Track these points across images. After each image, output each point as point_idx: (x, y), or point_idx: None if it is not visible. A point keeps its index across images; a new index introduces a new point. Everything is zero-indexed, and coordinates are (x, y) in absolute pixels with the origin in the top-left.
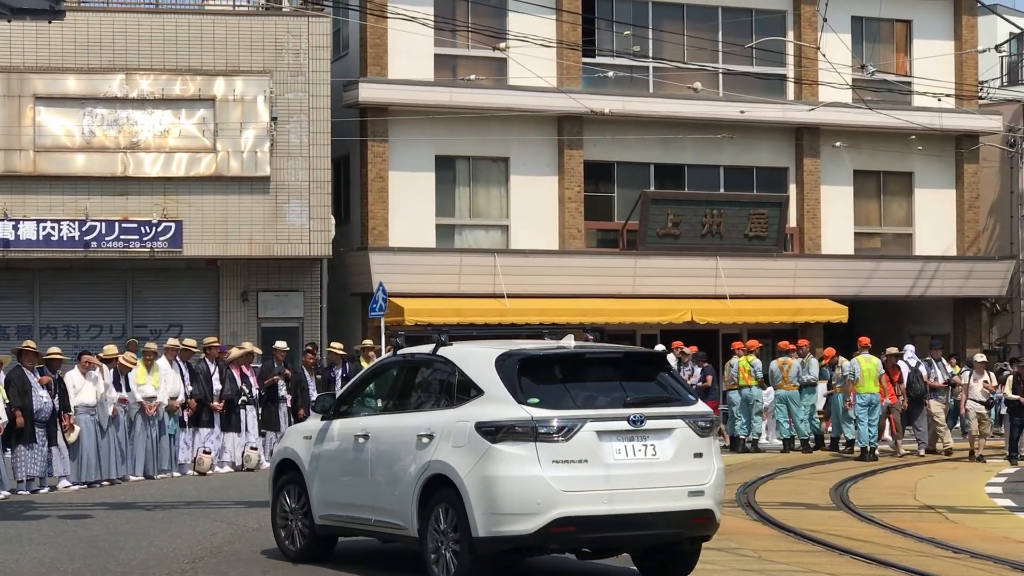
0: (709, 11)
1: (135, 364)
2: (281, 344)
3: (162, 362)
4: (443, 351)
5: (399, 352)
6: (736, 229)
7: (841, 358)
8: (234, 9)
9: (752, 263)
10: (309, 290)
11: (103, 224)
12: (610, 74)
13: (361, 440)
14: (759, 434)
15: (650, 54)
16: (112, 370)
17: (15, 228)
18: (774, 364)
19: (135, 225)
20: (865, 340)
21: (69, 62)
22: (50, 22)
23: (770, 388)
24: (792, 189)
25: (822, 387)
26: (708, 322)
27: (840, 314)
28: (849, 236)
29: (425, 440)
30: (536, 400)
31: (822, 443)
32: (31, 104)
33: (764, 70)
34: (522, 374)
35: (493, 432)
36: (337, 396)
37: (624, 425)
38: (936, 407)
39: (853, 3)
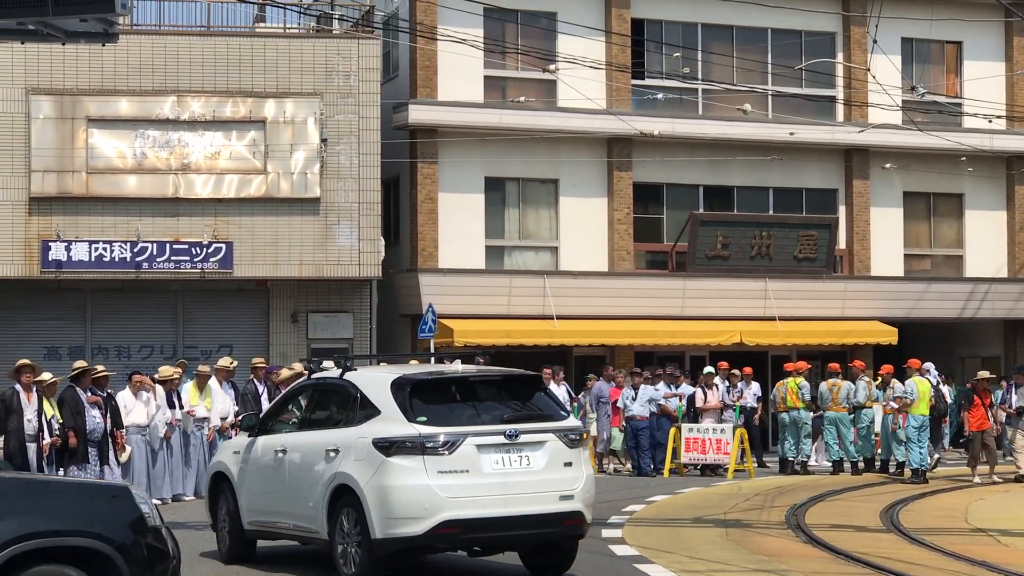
0: (758, 33)
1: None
2: (328, 363)
3: (212, 383)
4: (349, 375)
5: (313, 376)
6: (785, 251)
7: (894, 379)
8: (285, 31)
9: (801, 285)
10: (359, 311)
11: (154, 245)
12: (659, 96)
13: (280, 454)
14: (808, 456)
15: (699, 76)
16: (165, 390)
17: (68, 249)
18: (823, 386)
19: (186, 246)
20: (915, 362)
21: (121, 84)
22: (103, 45)
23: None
24: (841, 211)
25: (878, 408)
26: (757, 344)
27: (890, 336)
28: (899, 258)
29: (332, 454)
30: (424, 419)
31: (872, 465)
32: (84, 126)
33: (813, 91)
34: (413, 396)
35: (387, 447)
36: (261, 415)
37: (501, 439)
38: (1012, 433)
39: (903, 24)
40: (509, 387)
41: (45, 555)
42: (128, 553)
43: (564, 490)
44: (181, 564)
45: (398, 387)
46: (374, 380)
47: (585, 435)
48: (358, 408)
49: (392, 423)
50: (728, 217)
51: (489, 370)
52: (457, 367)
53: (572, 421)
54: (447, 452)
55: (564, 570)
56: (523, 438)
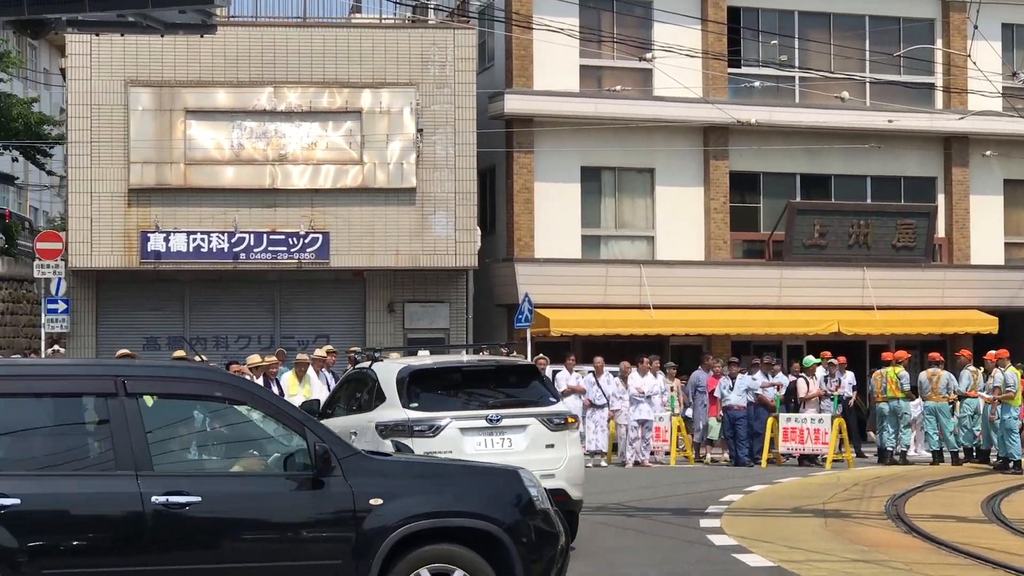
0: (856, 20)
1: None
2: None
3: (310, 372)
4: (374, 366)
5: (356, 366)
6: (884, 239)
7: (996, 369)
8: (381, 22)
9: (900, 274)
10: (455, 301)
11: (251, 236)
12: (756, 84)
13: None
14: (907, 446)
15: (796, 64)
16: (262, 379)
17: (166, 240)
18: (923, 375)
19: (283, 237)
20: (1004, 352)
21: (219, 76)
22: (202, 36)
23: (918, 400)
24: (940, 199)
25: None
26: (855, 333)
27: (990, 325)
28: (999, 246)
29: (352, 437)
30: (416, 405)
31: (972, 455)
32: (182, 118)
33: (912, 79)
34: (411, 384)
35: (384, 430)
36: (324, 401)
37: (483, 423)
38: None
39: (1004, 10)
40: (503, 375)
41: (437, 535)
42: (517, 535)
43: (546, 469)
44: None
45: (400, 377)
46: (386, 370)
47: (571, 419)
48: (374, 396)
49: (392, 409)
50: (825, 206)
51: (484, 360)
52: (462, 358)
53: (559, 407)
54: (432, 435)
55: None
56: (505, 422)
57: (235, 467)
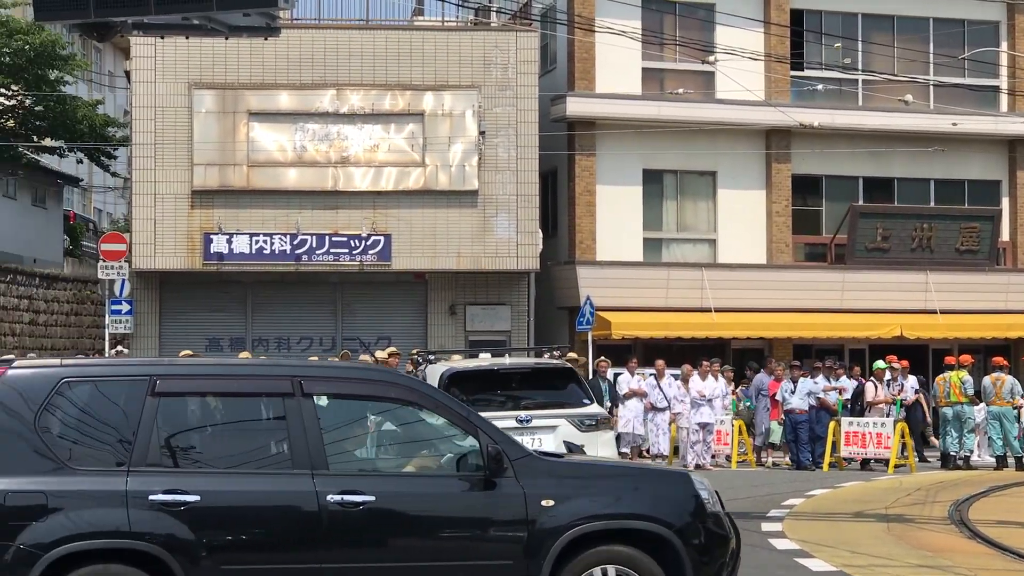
0: (920, 22)
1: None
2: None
3: None
4: (427, 368)
5: (417, 368)
6: (947, 243)
7: None
8: (443, 24)
9: (963, 278)
10: (517, 303)
11: (314, 238)
12: (819, 87)
13: None
14: (971, 451)
15: (859, 66)
16: None
17: (229, 242)
18: (987, 380)
19: (345, 239)
20: None
21: (282, 78)
22: (265, 39)
23: (982, 404)
24: (1005, 202)
25: None
26: (918, 337)
27: None
28: None
29: None
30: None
31: None
32: (245, 120)
33: (976, 81)
34: (451, 385)
35: None
36: None
37: (513, 423)
38: None
39: None
40: (540, 378)
41: (607, 536)
42: (687, 538)
43: None
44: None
45: (442, 377)
46: (433, 372)
47: (613, 421)
48: None
49: None
50: (888, 209)
51: (522, 362)
52: (504, 360)
53: (590, 409)
54: None
55: None
56: (536, 423)
57: (408, 467)
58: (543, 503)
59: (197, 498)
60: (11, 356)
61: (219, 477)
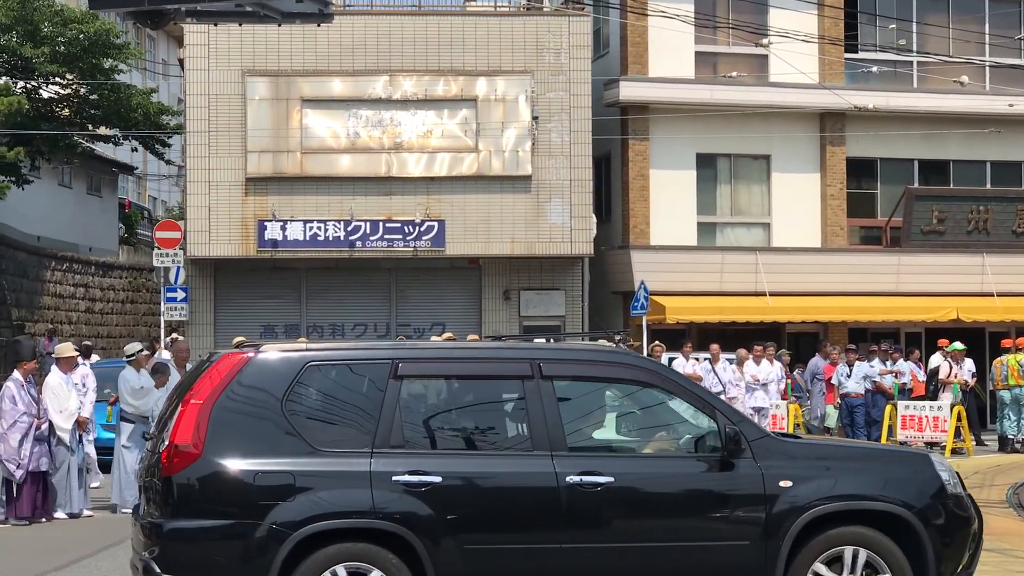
0: (975, 3)
1: None
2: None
3: None
4: None
5: None
6: (1003, 225)
7: None
8: (495, 9)
9: (1020, 260)
10: (570, 288)
11: (367, 224)
12: (873, 69)
13: None
14: None
15: (914, 48)
16: None
17: (283, 228)
18: None
19: (398, 225)
20: None
21: (335, 65)
22: (319, 25)
23: None
24: None
25: None
26: (974, 320)
27: None
28: None
29: None
30: None
31: None
32: (298, 107)
33: None
34: None
35: None
36: None
37: None
38: None
39: None
40: None
41: (845, 517)
42: (927, 519)
43: None
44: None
45: None
46: None
47: None
48: None
49: None
50: (944, 191)
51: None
52: (551, 344)
53: None
54: None
55: None
56: None
57: (646, 448)
58: (781, 483)
59: (439, 479)
60: (258, 341)
61: (460, 458)
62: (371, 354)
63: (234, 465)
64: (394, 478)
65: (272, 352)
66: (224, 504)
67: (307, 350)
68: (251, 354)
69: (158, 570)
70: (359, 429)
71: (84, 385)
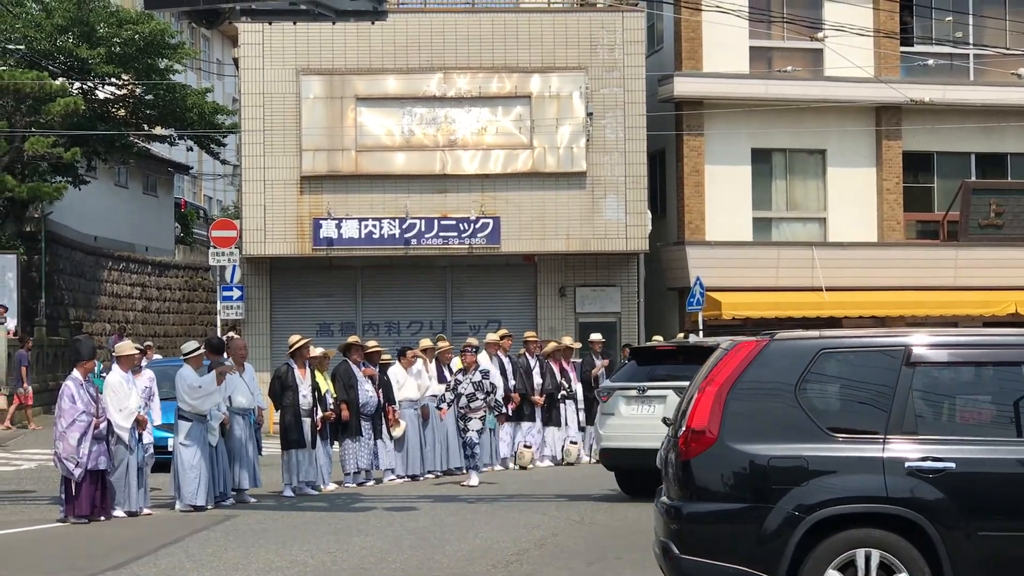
0: None
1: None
2: (596, 336)
3: (482, 357)
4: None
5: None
6: None
7: None
8: (549, 6)
9: None
10: (626, 285)
11: (422, 221)
12: (929, 62)
13: None
14: None
15: (971, 40)
16: (435, 363)
17: (338, 227)
18: None
19: (454, 222)
20: None
21: (389, 63)
22: (372, 23)
23: None
24: None
25: None
26: None
27: None
28: None
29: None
30: (615, 377)
31: None
32: (352, 105)
33: None
34: (629, 358)
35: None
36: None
37: (635, 393)
38: None
39: None
40: (684, 355)
41: None
42: None
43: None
44: None
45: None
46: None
47: None
48: None
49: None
50: (1002, 185)
51: (672, 343)
52: (688, 340)
53: None
54: (605, 400)
55: None
56: (650, 393)
57: None
58: None
59: (952, 465)
60: (772, 330)
61: (972, 444)
62: (884, 341)
63: (748, 449)
64: (907, 464)
65: (785, 340)
66: (738, 488)
67: (820, 338)
68: (765, 341)
69: (677, 551)
70: (871, 415)
71: (149, 388)
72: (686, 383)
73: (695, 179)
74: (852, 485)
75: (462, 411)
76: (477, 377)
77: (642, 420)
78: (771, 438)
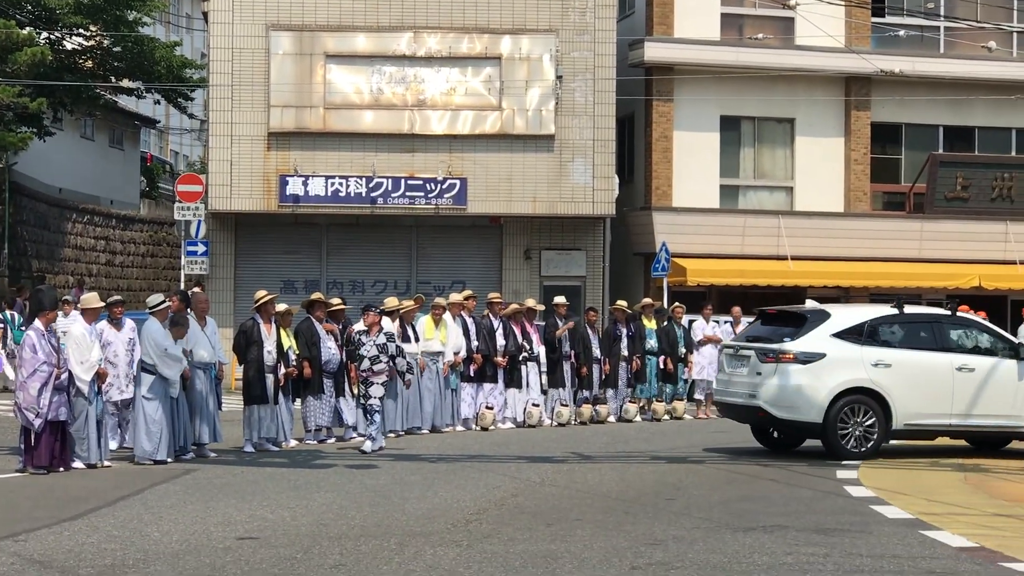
0: None
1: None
2: (560, 299)
3: (447, 317)
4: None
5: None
6: None
7: None
8: None
9: None
10: (592, 249)
11: (389, 181)
12: (901, 33)
13: None
14: None
15: (942, 12)
16: (399, 322)
17: (305, 184)
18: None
19: (421, 182)
20: None
21: (359, 20)
22: None
23: None
24: None
25: None
26: (996, 288)
27: None
28: None
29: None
30: (736, 336)
31: None
32: (322, 62)
33: None
34: (756, 319)
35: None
36: None
37: (732, 351)
38: None
39: None
40: (783, 319)
41: None
42: None
43: (751, 391)
44: None
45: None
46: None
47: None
48: None
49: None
50: (969, 158)
51: (783, 308)
52: (804, 306)
53: (775, 345)
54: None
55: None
56: (741, 352)
57: None
58: None
59: None
60: None
61: None
62: None
63: None
64: None
65: None
66: None
67: None
68: None
69: None
70: None
71: (133, 339)
72: (766, 345)
73: (663, 145)
74: None
75: (364, 374)
76: (381, 339)
77: (736, 377)
78: None
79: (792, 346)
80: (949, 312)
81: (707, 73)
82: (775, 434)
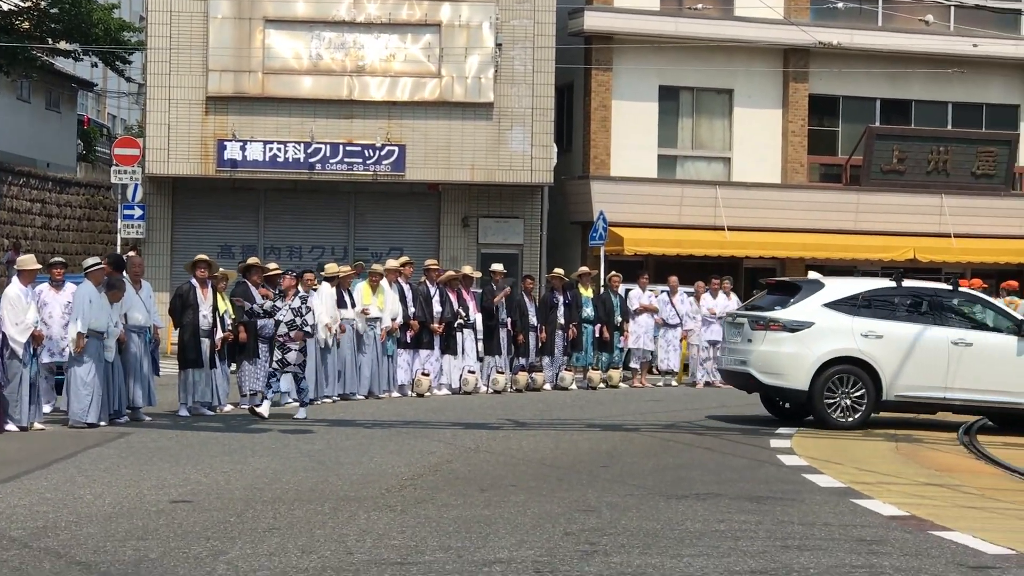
0: None
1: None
2: (498, 266)
3: (384, 283)
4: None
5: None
6: (963, 167)
7: None
8: None
9: (978, 202)
10: (529, 217)
11: (328, 147)
12: (839, 5)
13: None
14: None
15: None
16: (336, 288)
17: (242, 149)
18: (999, 303)
19: (359, 148)
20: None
21: None
22: None
23: None
24: (1022, 127)
25: None
26: (931, 260)
27: None
28: None
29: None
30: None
31: None
32: (261, 26)
33: (997, 4)
34: (765, 289)
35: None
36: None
37: (731, 320)
38: None
39: None
40: (780, 288)
41: None
42: None
43: (742, 358)
44: None
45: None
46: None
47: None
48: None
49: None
50: (905, 131)
51: (782, 279)
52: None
53: (768, 313)
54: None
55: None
56: (738, 320)
57: None
58: None
59: None
60: None
61: None
62: None
63: None
64: None
65: None
66: None
67: None
68: None
69: None
70: None
71: (70, 304)
72: (758, 312)
73: (602, 114)
74: None
75: (280, 339)
76: (296, 303)
77: (732, 345)
78: None
79: (781, 314)
80: (950, 287)
81: (646, 43)
82: (783, 404)
